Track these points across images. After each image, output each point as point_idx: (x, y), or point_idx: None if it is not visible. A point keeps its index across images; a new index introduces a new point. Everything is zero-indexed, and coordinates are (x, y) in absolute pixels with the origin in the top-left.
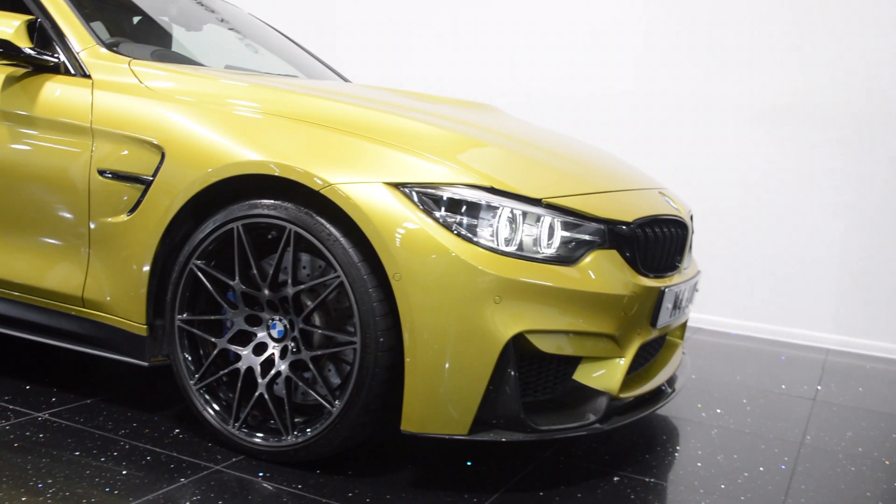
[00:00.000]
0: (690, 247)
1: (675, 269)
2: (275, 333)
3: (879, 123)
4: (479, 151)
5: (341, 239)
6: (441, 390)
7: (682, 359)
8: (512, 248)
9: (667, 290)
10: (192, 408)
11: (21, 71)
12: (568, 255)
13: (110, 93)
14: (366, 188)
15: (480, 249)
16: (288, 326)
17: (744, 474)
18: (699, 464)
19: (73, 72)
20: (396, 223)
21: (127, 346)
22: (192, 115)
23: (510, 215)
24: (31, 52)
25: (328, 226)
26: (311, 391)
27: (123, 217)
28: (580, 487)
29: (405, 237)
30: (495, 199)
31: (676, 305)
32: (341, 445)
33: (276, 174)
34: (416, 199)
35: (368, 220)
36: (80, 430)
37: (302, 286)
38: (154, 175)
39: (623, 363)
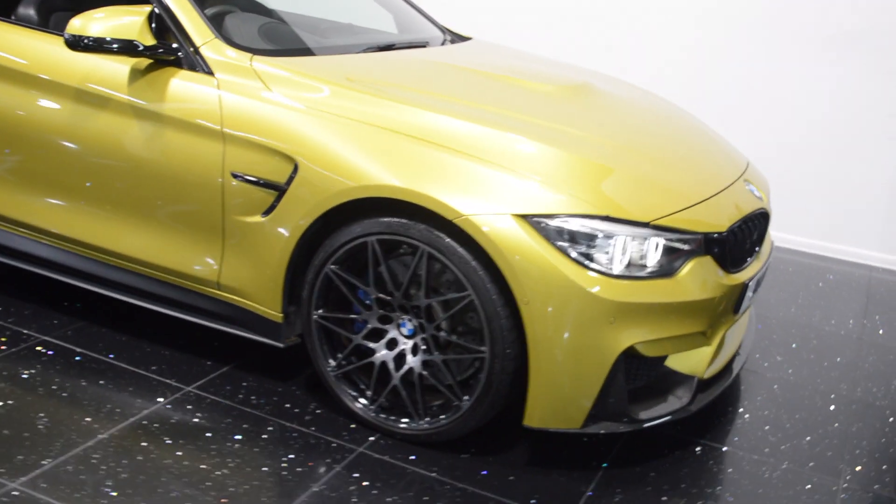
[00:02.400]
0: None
1: (755, 255)
2: (405, 331)
3: None
4: (592, 172)
5: (472, 262)
6: (560, 394)
7: (750, 314)
8: (621, 269)
9: (750, 282)
10: (329, 391)
11: (145, 63)
12: (669, 268)
13: (237, 96)
14: (496, 219)
15: (595, 275)
16: (418, 326)
17: (806, 438)
18: (767, 427)
19: (196, 67)
20: (524, 254)
21: (262, 328)
22: (321, 128)
23: (623, 241)
24: (156, 49)
25: (459, 248)
26: (441, 388)
27: (258, 218)
28: (669, 461)
29: (532, 266)
30: (609, 228)
31: (756, 289)
32: (469, 432)
33: (412, 202)
34: (539, 229)
35: (500, 252)
36: (231, 407)
37: (433, 299)
38: (287, 184)
39: (710, 350)
